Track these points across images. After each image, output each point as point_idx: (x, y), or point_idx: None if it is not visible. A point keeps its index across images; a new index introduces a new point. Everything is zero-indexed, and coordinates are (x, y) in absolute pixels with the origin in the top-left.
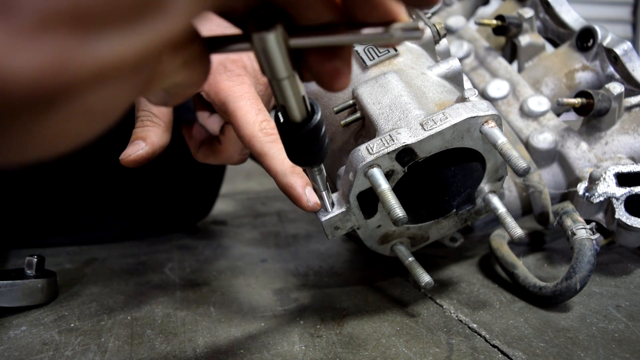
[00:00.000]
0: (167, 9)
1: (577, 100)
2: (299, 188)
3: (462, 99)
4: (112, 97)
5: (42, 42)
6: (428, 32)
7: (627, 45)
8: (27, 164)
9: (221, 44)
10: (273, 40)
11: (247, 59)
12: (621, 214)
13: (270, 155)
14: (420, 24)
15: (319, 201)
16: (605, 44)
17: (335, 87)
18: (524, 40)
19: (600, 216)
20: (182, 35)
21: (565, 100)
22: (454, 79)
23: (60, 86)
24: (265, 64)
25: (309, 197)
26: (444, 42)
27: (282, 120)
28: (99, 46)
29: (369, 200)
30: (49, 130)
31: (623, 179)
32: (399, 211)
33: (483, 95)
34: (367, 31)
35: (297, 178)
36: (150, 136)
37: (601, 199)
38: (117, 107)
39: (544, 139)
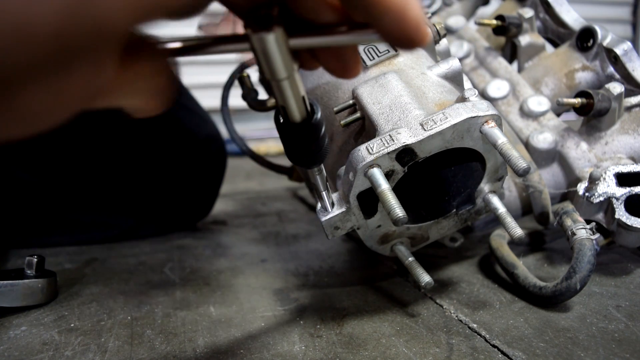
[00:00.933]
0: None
1: (577, 100)
2: (417, 17)
3: (462, 99)
4: (45, 100)
5: None
6: None
7: (627, 45)
8: None
9: (220, 43)
10: (273, 41)
11: None
12: (621, 214)
13: None
14: None
15: (430, 34)
16: (605, 44)
17: (348, 77)
18: (524, 40)
19: (600, 216)
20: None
21: (565, 100)
22: (454, 79)
23: None
24: (265, 65)
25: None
26: (444, 42)
27: (282, 120)
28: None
29: (369, 200)
30: None
31: (623, 179)
32: (399, 211)
33: (483, 95)
34: (366, 32)
35: (412, 6)
36: None
37: (601, 199)
38: (54, 111)
39: (544, 139)
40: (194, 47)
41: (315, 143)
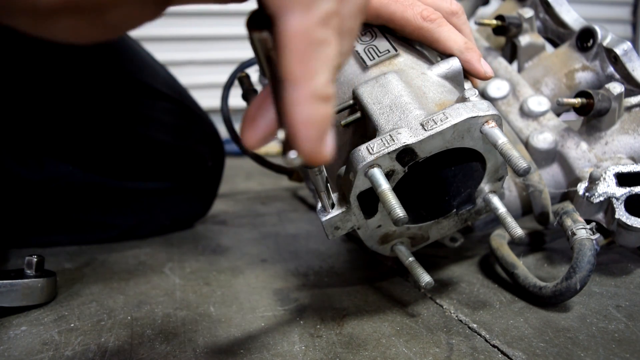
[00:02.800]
0: None
1: (577, 100)
2: (476, 62)
3: (463, 99)
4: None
5: None
6: None
7: (627, 45)
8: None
9: None
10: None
11: None
12: (621, 214)
13: (443, 39)
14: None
15: (492, 70)
16: (605, 44)
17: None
18: (524, 40)
19: (600, 216)
20: None
21: (565, 100)
22: (454, 79)
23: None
24: (266, 64)
25: (485, 68)
26: None
27: None
28: None
29: (369, 200)
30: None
31: (623, 179)
32: (399, 211)
33: (483, 95)
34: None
35: (472, 53)
36: None
37: (601, 199)
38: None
39: (544, 139)
40: None
41: None
